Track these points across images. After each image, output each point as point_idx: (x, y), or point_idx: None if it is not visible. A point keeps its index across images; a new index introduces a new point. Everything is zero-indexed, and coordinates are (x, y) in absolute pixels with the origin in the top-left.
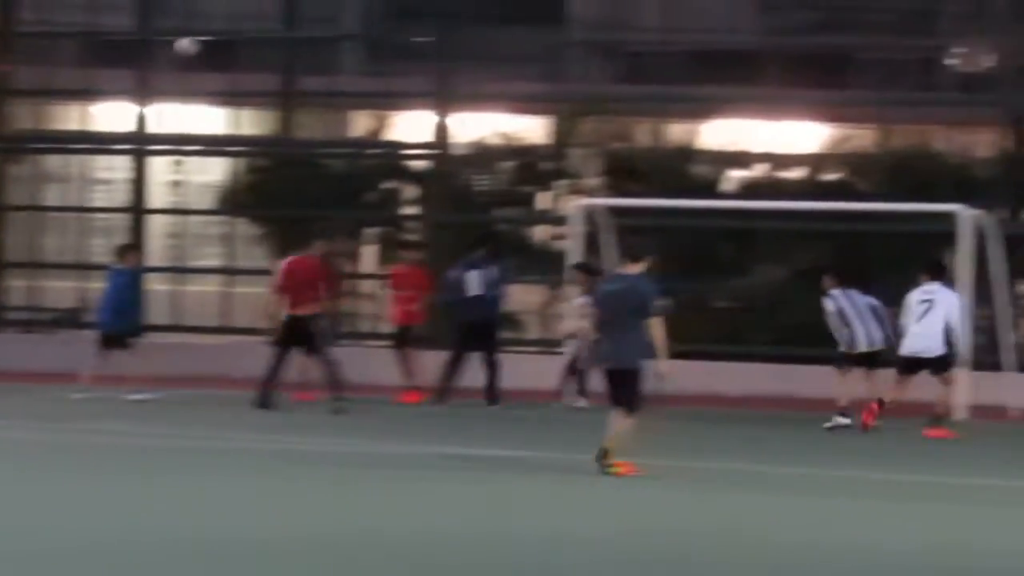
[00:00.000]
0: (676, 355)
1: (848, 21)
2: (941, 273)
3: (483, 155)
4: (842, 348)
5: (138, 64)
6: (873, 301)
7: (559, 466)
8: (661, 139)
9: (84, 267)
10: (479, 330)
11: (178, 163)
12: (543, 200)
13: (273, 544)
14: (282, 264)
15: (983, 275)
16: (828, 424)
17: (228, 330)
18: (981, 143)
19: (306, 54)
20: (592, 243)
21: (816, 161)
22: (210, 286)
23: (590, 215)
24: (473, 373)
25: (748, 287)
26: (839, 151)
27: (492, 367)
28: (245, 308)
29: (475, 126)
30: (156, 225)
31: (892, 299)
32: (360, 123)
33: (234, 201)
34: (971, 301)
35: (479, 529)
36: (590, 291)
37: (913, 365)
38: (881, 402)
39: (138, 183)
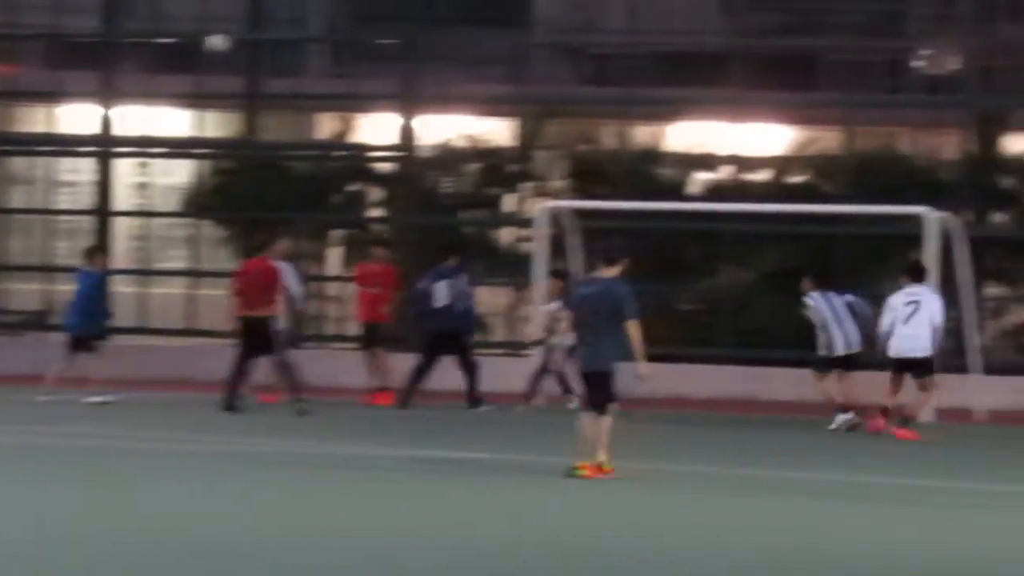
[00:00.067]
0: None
1: (814, 23)
2: (923, 275)
3: (449, 157)
4: (821, 351)
5: (103, 66)
6: (851, 298)
7: (528, 468)
8: (627, 141)
9: (49, 269)
10: (447, 340)
11: (143, 165)
12: (509, 202)
13: (230, 546)
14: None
15: (949, 278)
16: (832, 426)
17: (193, 332)
18: (947, 145)
19: (271, 56)
20: (558, 245)
21: (782, 163)
22: (175, 288)
23: (556, 217)
24: (447, 376)
25: (714, 289)
26: (805, 153)
27: (470, 370)
28: (210, 310)
29: (440, 128)
30: (121, 227)
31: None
32: (325, 125)
33: (199, 203)
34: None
35: (447, 533)
36: (562, 296)
37: (904, 366)
38: (886, 409)
39: (103, 185)
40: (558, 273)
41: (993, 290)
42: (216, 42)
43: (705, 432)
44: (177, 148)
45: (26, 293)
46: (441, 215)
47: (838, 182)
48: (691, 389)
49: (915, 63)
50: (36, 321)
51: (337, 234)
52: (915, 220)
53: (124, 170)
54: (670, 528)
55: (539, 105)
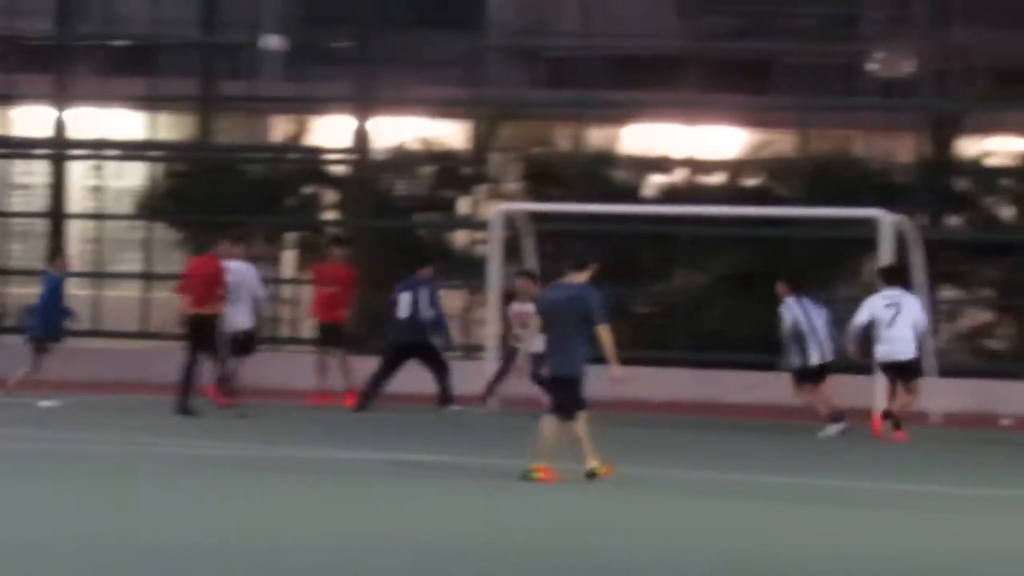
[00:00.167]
0: (597, 360)
1: (768, 26)
2: (899, 277)
3: (403, 160)
4: (795, 361)
5: (57, 68)
6: (823, 310)
7: (486, 472)
8: (581, 144)
9: (2, 272)
10: (407, 351)
11: (97, 168)
12: (463, 205)
13: (185, 549)
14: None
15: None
16: (822, 434)
17: (147, 335)
18: (902, 148)
19: (225, 59)
20: (513, 248)
21: (737, 166)
22: (129, 291)
23: (510, 220)
24: (409, 379)
25: (669, 292)
26: (760, 156)
27: (439, 372)
28: (164, 313)
29: (395, 131)
30: (75, 230)
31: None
32: (280, 128)
33: (153, 206)
34: None
35: (403, 536)
36: (534, 298)
37: (891, 370)
38: (888, 413)
39: (57, 188)
40: (529, 274)
41: (948, 293)
42: (271, 42)
43: (664, 435)
44: (131, 151)
45: None
46: (395, 218)
47: (793, 185)
48: (647, 392)
49: (870, 66)
50: None
51: (291, 237)
52: (870, 223)
53: (78, 172)
54: (632, 531)
55: (493, 108)
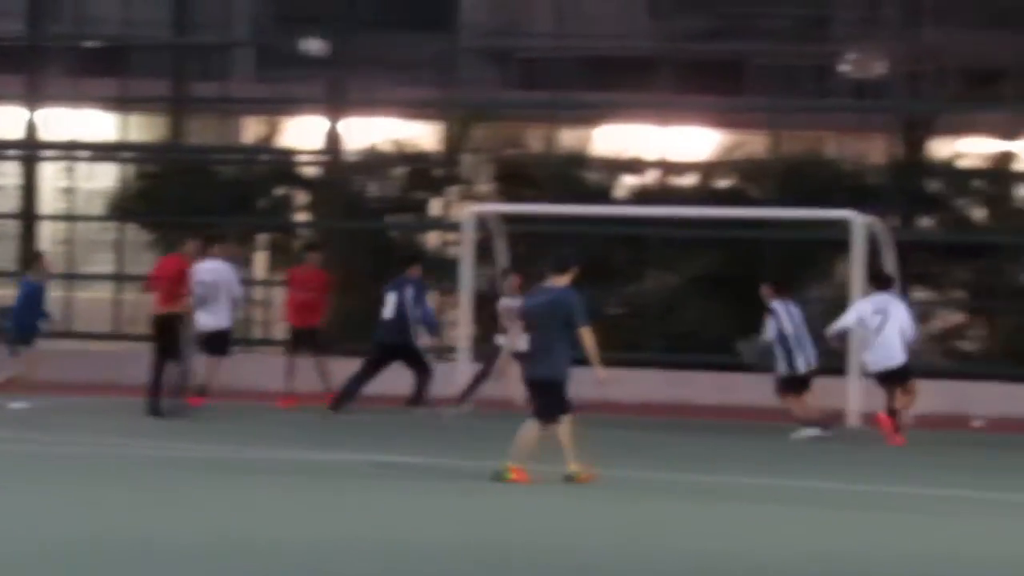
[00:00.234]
0: (580, 362)
1: (741, 27)
2: (889, 283)
3: (375, 161)
4: (782, 369)
5: (28, 69)
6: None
7: (457, 473)
8: (553, 145)
9: None
10: (391, 352)
11: (69, 169)
12: (435, 206)
13: (152, 548)
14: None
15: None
16: (796, 436)
17: (119, 336)
18: (874, 149)
19: (197, 60)
20: (485, 249)
21: (709, 167)
22: (101, 292)
23: (482, 221)
24: (388, 381)
25: (641, 294)
26: (732, 157)
27: (420, 375)
28: (136, 314)
29: (367, 132)
30: (46, 231)
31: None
32: (252, 129)
33: (125, 207)
34: None
35: (375, 536)
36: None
37: (884, 377)
38: (892, 411)
39: (28, 189)
40: (517, 270)
41: (920, 294)
42: (312, 46)
43: (636, 437)
44: (103, 152)
45: None
46: (367, 219)
47: (765, 186)
48: (619, 394)
49: (842, 68)
50: None
51: (263, 238)
52: (842, 225)
53: (49, 174)
54: (606, 533)
55: (465, 109)
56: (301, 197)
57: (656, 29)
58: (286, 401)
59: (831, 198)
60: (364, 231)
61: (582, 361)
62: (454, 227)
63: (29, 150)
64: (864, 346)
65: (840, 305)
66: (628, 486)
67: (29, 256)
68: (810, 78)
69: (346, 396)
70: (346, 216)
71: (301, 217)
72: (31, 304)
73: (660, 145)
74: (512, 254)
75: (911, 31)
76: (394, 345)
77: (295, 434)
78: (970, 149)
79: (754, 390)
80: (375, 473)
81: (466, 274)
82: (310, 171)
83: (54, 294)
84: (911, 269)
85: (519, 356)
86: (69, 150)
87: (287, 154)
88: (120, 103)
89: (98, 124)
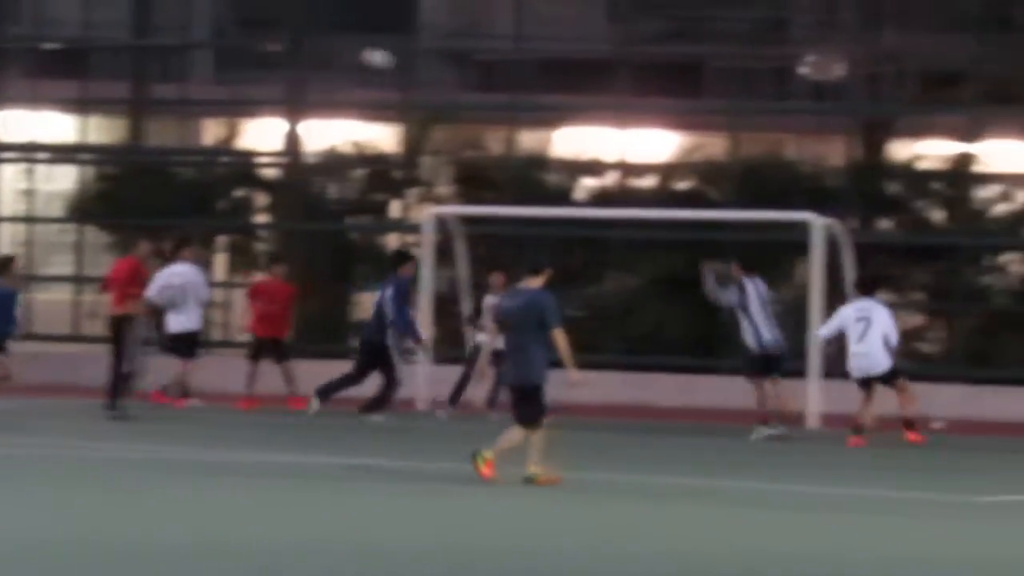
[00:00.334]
0: (553, 364)
1: (699, 30)
2: (872, 288)
3: (334, 163)
4: (749, 342)
5: None
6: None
7: (427, 475)
8: (513, 147)
9: None
10: (369, 350)
11: (28, 171)
12: (395, 208)
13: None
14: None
15: (835, 284)
16: (756, 436)
17: (78, 338)
18: (832, 152)
19: (157, 62)
20: (445, 251)
21: (668, 170)
22: (60, 294)
23: (442, 223)
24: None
25: (601, 296)
26: (691, 160)
27: (386, 379)
28: (96, 316)
29: (326, 134)
30: (5, 233)
31: None
32: (211, 131)
33: (84, 209)
34: (822, 310)
35: (335, 539)
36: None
37: (866, 383)
38: (859, 427)
39: None
40: (499, 267)
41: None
42: (376, 58)
43: (598, 438)
44: (62, 154)
45: None
46: (327, 221)
47: (724, 188)
48: (580, 396)
49: (801, 70)
50: None
51: (223, 240)
52: (801, 226)
53: (8, 176)
54: (575, 535)
55: (425, 111)
56: (261, 199)
57: (615, 32)
58: (247, 403)
59: (790, 200)
60: (324, 233)
61: (555, 363)
62: (414, 229)
63: None
64: (848, 352)
65: (800, 307)
66: (596, 489)
67: (2, 262)
68: (769, 80)
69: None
70: (306, 218)
71: (261, 219)
72: (3, 309)
73: (619, 147)
74: (472, 256)
75: (870, 34)
76: (370, 343)
77: (258, 436)
78: (929, 151)
79: (715, 392)
80: (345, 476)
81: (426, 276)
82: (270, 173)
83: None
84: (870, 271)
85: (496, 355)
86: (28, 152)
87: (247, 156)
88: (79, 105)
89: (57, 126)
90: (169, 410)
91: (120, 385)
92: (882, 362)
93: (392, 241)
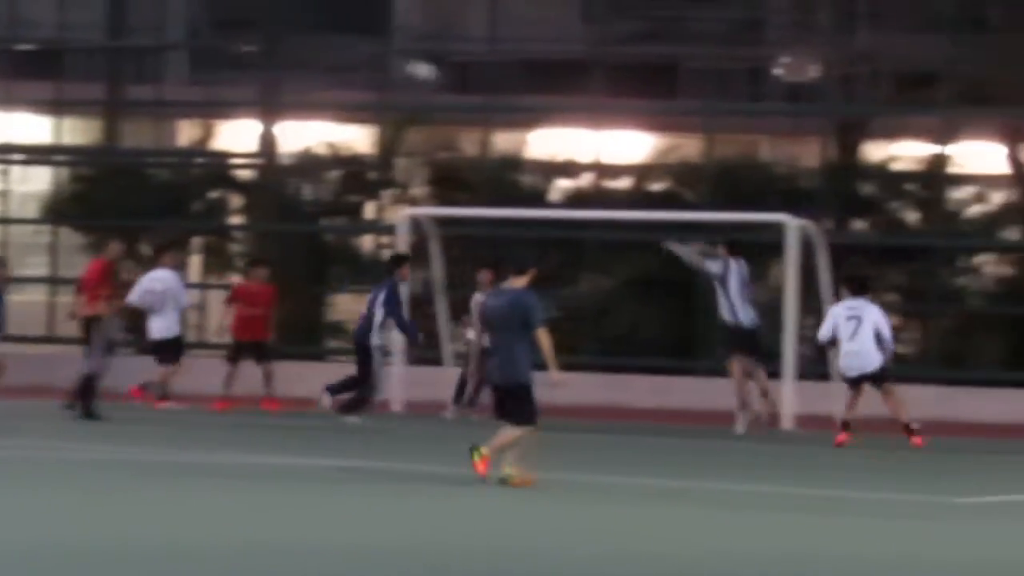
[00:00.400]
0: (536, 365)
1: (674, 31)
2: (864, 287)
3: (310, 164)
4: (726, 319)
5: None
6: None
7: (410, 476)
8: (488, 148)
9: None
10: (359, 351)
11: (3, 172)
12: (370, 209)
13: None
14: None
15: (809, 285)
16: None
17: (53, 340)
18: (807, 153)
19: (131, 63)
20: (419, 252)
21: (643, 171)
22: (35, 295)
23: (417, 224)
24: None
25: (575, 297)
26: (666, 161)
27: (363, 378)
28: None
29: (301, 135)
30: None
31: None
32: (186, 132)
33: (58, 210)
34: (797, 311)
35: (316, 540)
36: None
37: (858, 382)
38: (846, 424)
39: None
40: (489, 264)
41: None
42: (421, 70)
43: (574, 440)
44: (36, 155)
45: None
46: (302, 222)
47: (699, 190)
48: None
49: (775, 71)
50: None
51: (197, 241)
52: (776, 227)
53: None
54: (558, 535)
55: (400, 112)
56: (236, 200)
57: (589, 33)
58: (223, 404)
59: (765, 201)
60: (299, 234)
61: (537, 364)
62: (388, 230)
63: None
64: (839, 351)
65: (775, 308)
66: (571, 490)
67: None
68: (743, 82)
69: (358, 402)
70: (281, 219)
71: (236, 220)
72: None
73: (594, 148)
74: (446, 257)
75: (844, 35)
76: (358, 344)
77: (235, 437)
78: (903, 152)
79: (690, 393)
80: (322, 477)
81: None
82: (244, 174)
83: None
84: (845, 272)
85: (483, 352)
86: (2, 153)
87: (221, 157)
88: (54, 106)
89: (32, 127)
90: (143, 410)
91: (85, 385)
92: (874, 360)
93: (367, 242)
